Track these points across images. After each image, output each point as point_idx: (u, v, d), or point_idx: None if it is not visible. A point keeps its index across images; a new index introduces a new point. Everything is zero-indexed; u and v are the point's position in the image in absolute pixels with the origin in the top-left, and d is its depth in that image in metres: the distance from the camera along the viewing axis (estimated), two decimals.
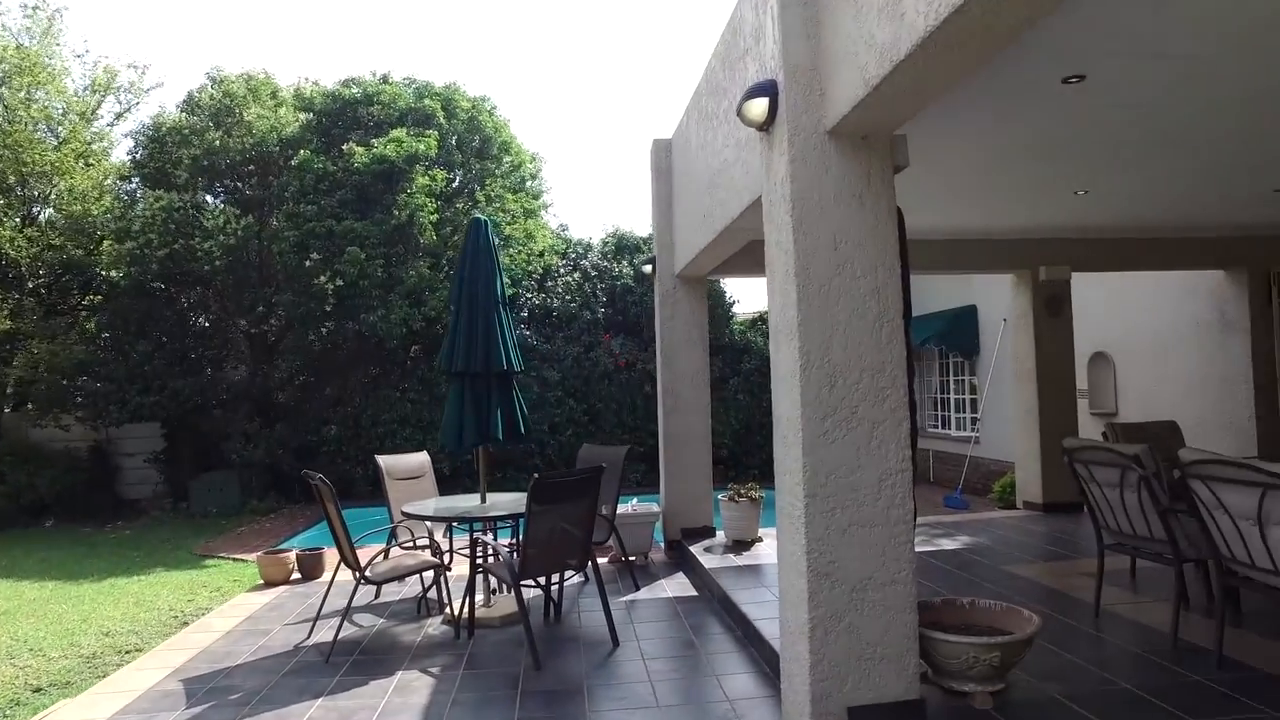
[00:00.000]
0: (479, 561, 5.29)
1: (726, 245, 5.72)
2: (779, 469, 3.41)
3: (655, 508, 7.28)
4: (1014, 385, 8.37)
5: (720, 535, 7.15)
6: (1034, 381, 7.96)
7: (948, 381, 14.18)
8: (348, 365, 15.08)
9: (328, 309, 13.68)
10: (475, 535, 5.38)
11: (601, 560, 7.23)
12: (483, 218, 5.88)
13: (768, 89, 3.36)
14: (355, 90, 14.99)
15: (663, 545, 7.48)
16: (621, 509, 7.16)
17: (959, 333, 12.72)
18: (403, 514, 5.63)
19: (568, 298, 16.30)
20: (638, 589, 6.23)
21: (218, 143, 13.37)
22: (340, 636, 5.09)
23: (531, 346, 15.71)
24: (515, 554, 5.12)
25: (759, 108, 3.40)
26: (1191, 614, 4.56)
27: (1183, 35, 3.37)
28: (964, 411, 13.63)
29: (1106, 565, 4.76)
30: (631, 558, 7.09)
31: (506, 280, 15.20)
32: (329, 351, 15.16)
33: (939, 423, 14.53)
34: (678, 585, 6.34)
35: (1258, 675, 3.72)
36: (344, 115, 14.72)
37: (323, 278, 13.17)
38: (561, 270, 16.88)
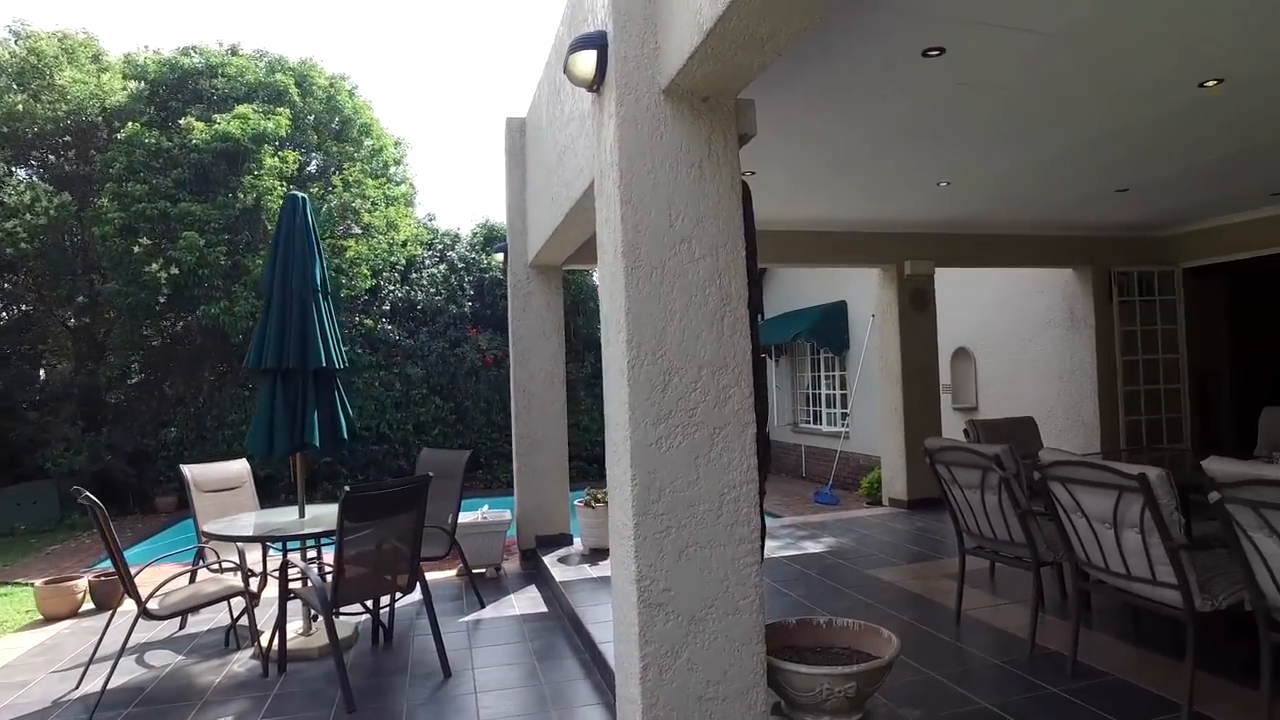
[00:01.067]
0: (290, 586, 4.61)
1: (575, 230, 5.24)
2: (610, 481, 2.96)
3: (508, 515, 6.73)
4: (880, 381, 8.31)
5: (578, 543, 6.68)
6: (899, 377, 7.90)
7: (819, 377, 14.25)
8: (192, 362, 13.73)
9: (162, 300, 12.37)
10: (288, 555, 4.69)
11: (448, 575, 6.63)
12: (300, 194, 5.17)
13: (596, 40, 2.90)
14: (197, 59, 13.64)
15: (519, 555, 6.95)
16: (469, 517, 6.58)
17: (829, 328, 12.74)
18: (203, 534, 4.86)
19: (433, 290, 15.45)
20: (483, 606, 5.68)
21: (20, 107, 11.78)
22: (120, 683, 4.31)
23: (394, 342, 14.79)
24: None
25: (586, 63, 2.93)
26: (1047, 615, 4.44)
27: (1036, 7, 3.17)
28: (835, 407, 13.71)
29: (967, 566, 4.58)
30: (483, 570, 6.53)
31: (366, 271, 14.42)
32: (169, 347, 13.77)
33: (811, 418, 14.58)
34: (528, 601, 5.82)
35: (1111, 682, 3.56)
36: (183, 87, 13.36)
37: (155, 265, 11.85)
38: (427, 262, 16.00)
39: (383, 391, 14.52)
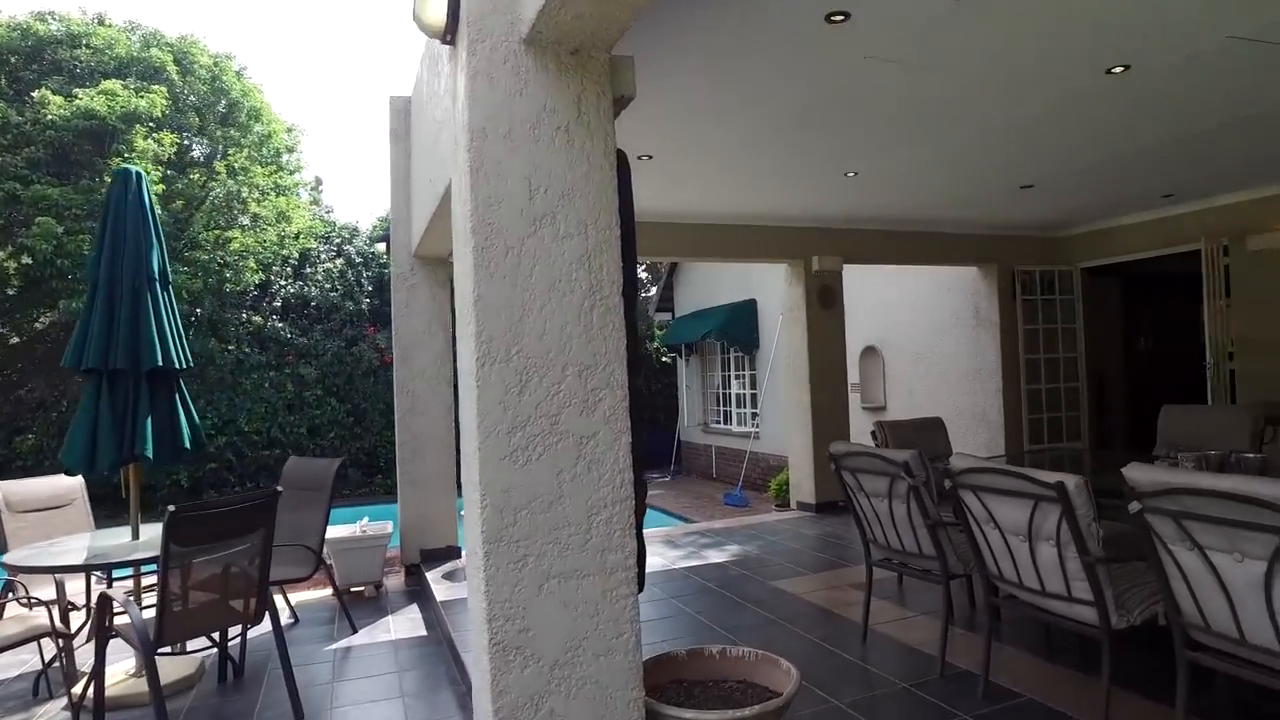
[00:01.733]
0: (112, 622, 3.96)
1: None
2: (465, 500, 2.51)
3: (390, 526, 6.17)
4: (787, 381, 8.07)
5: (466, 557, 6.16)
6: (807, 377, 7.67)
7: (729, 376, 14.05)
8: (54, 361, 12.52)
9: (11, 292, 11.20)
10: (111, 586, 4.04)
11: (322, 594, 6.03)
12: (133, 168, 4.50)
13: None
14: (55, 26, 12.43)
15: (403, 571, 6.39)
16: (346, 530, 6.00)
17: (739, 327, 12.53)
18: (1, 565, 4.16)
19: (329, 286, 14.58)
20: (355, 631, 5.12)
21: None
22: None
23: (285, 340, 13.87)
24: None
25: (436, 7, 2.47)
26: (956, 628, 4.20)
27: None
28: (745, 407, 13.52)
29: (875, 575, 4.30)
30: (362, 588, 5.95)
31: (253, 264, 13.45)
32: (28, 345, 12.55)
33: (722, 418, 14.37)
34: (407, 623, 5.29)
35: (1023, 704, 3.31)
36: (38, 56, 12.16)
37: (2, 253, 10.70)
38: (323, 256, 15.10)
39: (273, 393, 13.60)
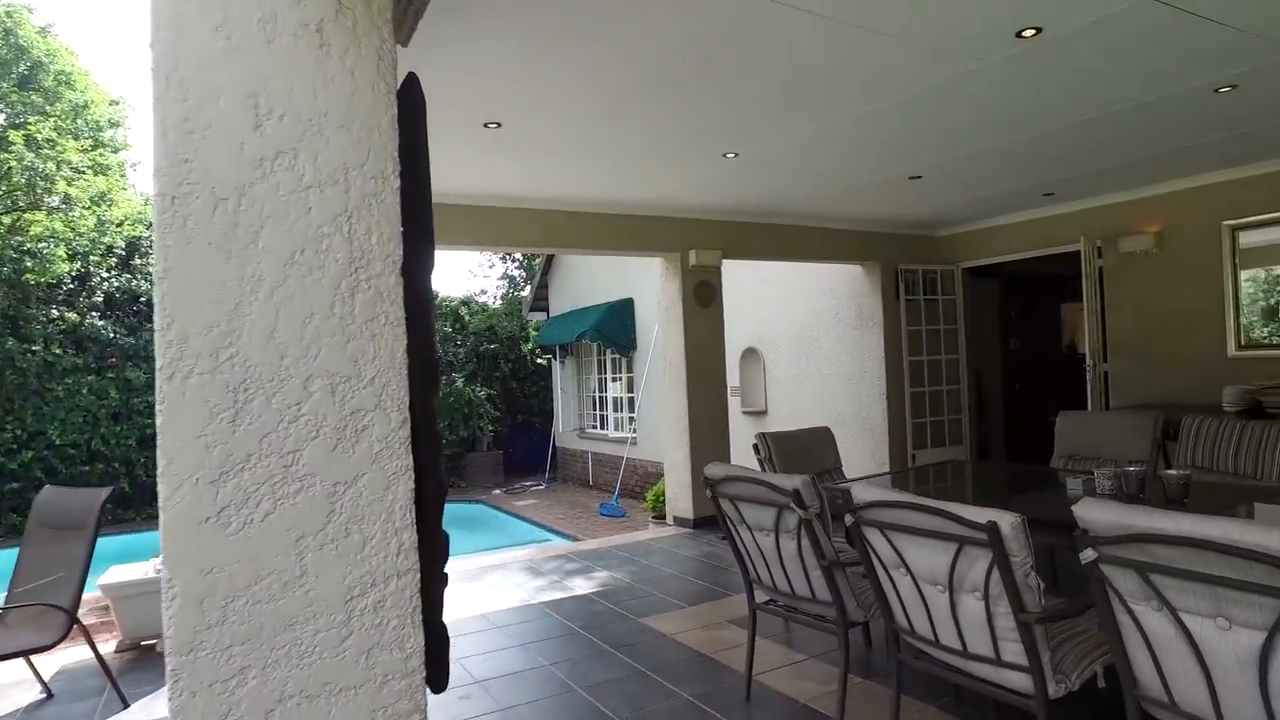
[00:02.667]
0: None
1: None
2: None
3: None
4: (664, 383, 7.45)
5: None
6: (684, 380, 7.07)
7: (605, 379, 13.39)
8: None
9: None
10: None
11: (105, 649, 4.91)
12: None
13: None
14: None
15: None
16: (134, 571, 4.92)
17: (615, 326, 11.88)
18: None
19: None
20: (126, 706, 4.08)
21: None
22: None
23: (108, 341, 12.19)
24: None
25: None
26: (853, 675, 3.62)
27: None
28: (622, 411, 12.90)
29: (758, 617, 3.68)
30: (154, 640, 4.89)
31: (63, 253, 11.73)
32: None
33: (598, 423, 13.70)
34: None
35: None
36: None
37: None
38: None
39: (94, 401, 11.92)
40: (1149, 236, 7.02)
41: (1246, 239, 6.56)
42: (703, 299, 7.11)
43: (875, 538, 2.49)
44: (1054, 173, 6.30)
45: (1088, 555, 1.95)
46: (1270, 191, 6.36)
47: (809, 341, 9.22)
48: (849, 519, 2.52)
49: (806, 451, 4.59)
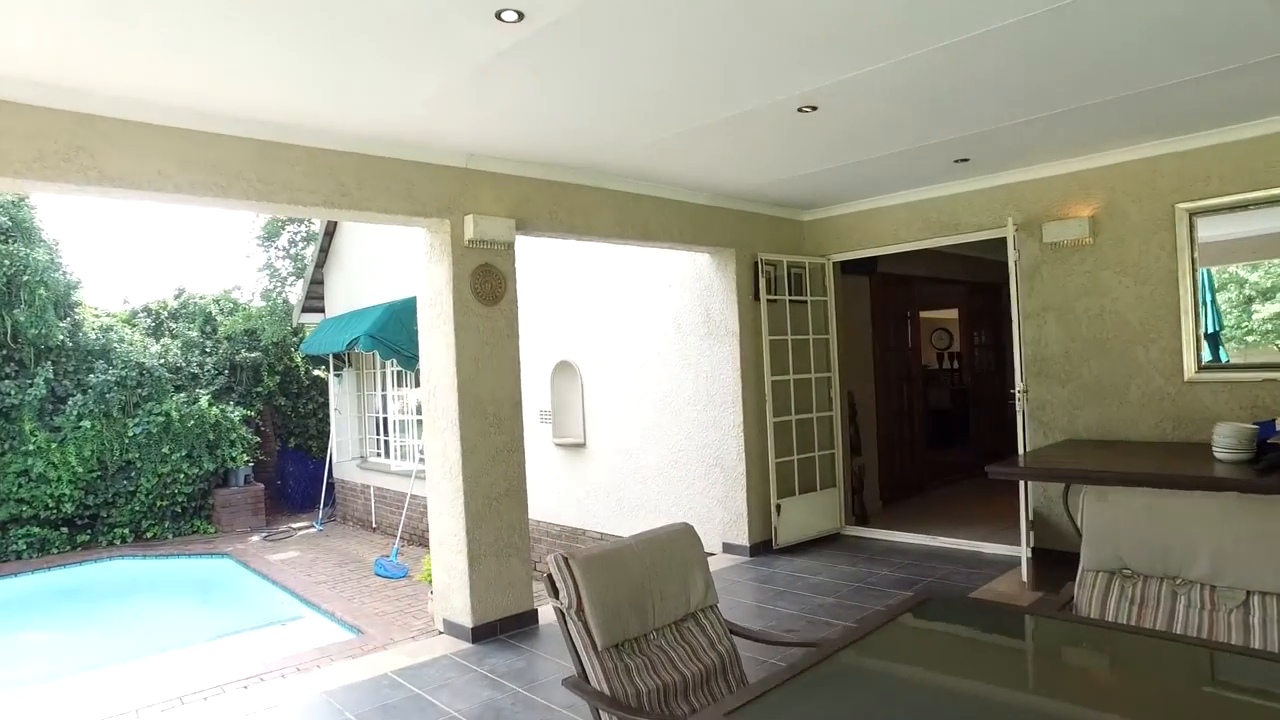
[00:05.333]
0: None
1: None
2: None
3: None
4: (427, 416, 4.93)
5: None
6: (455, 413, 4.59)
7: (388, 397, 10.66)
8: None
9: None
10: None
11: None
12: None
13: None
14: None
15: None
16: None
17: (397, 331, 9.21)
18: None
19: None
20: None
21: None
22: None
23: None
24: None
25: None
26: None
27: None
28: (409, 436, 10.23)
29: None
30: None
31: None
32: None
33: (383, 450, 10.94)
34: None
35: None
36: None
37: None
38: None
39: None
40: (1081, 223, 5.35)
41: (1208, 229, 5.01)
42: (486, 291, 4.68)
43: None
44: (978, 121, 4.44)
45: None
46: (1237, 166, 4.82)
47: (641, 354, 7.05)
48: None
49: (645, 587, 2.30)
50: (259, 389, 12.25)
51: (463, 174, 4.60)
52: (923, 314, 9.59)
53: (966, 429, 10.06)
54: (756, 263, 6.30)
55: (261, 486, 11.76)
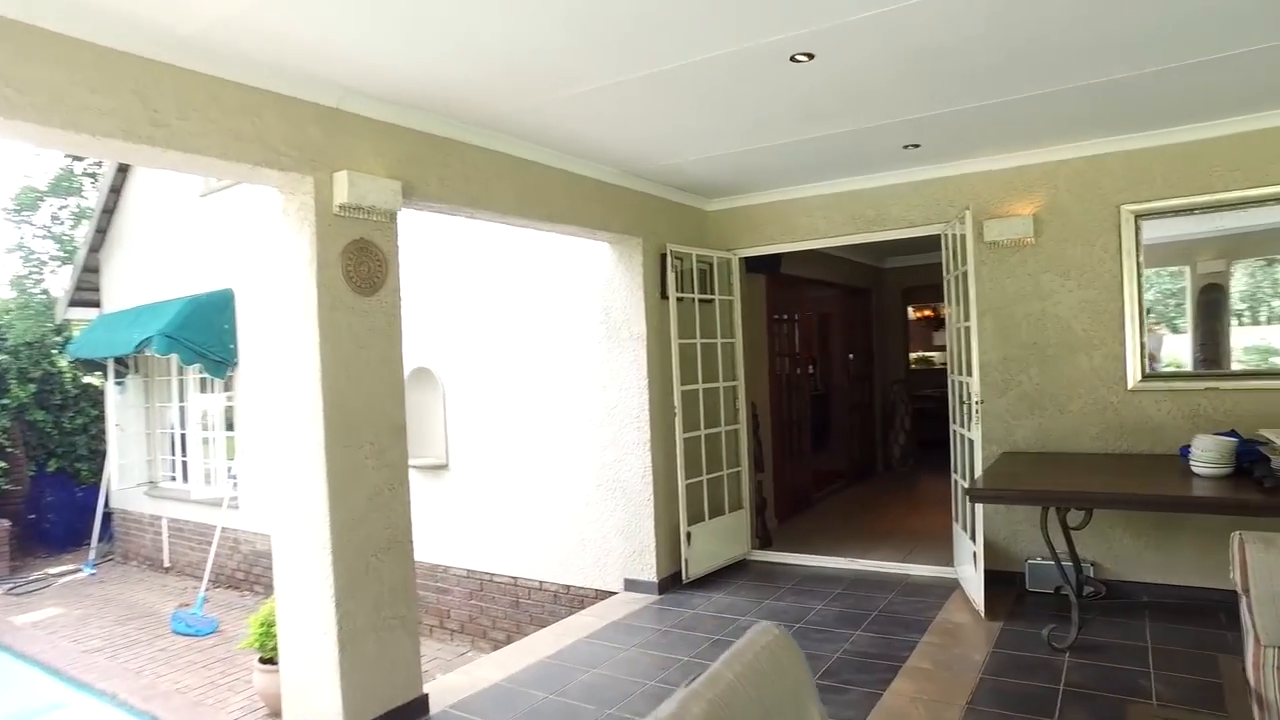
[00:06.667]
0: None
1: None
2: None
3: None
4: (277, 434, 3.62)
5: None
6: (320, 428, 3.36)
7: (187, 409, 8.84)
8: None
9: None
10: None
11: None
12: None
13: None
14: None
15: None
16: None
17: (203, 331, 7.55)
18: None
19: None
20: None
21: None
22: None
23: None
24: None
25: None
26: None
27: None
28: (217, 457, 8.50)
29: None
30: None
31: None
32: None
33: (178, 474, 9.08)
34: None
35: None
36: None
37: None
38: None
39: None
40: (1025, 221, 4.98)
41: (1154, 231, 4.77)
42: (362, 276, 3.50)
43: None
44: (940, 100, 3.88)
45: None
46: (1186, 169, 4.61)
47: (523, 360, 6.02)
48: None
49: None
50: (5, 400, 9.83)
51: (333, 116, 3.40)
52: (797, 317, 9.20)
53: (826, 436, 9.79)
54: (665, 255, 5.48)
55: (7, 523, 9.40)
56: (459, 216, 4.27)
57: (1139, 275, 4.74)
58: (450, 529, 6.39)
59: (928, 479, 9.28)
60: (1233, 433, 4.08)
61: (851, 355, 9.54)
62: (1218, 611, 4.41)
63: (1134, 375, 4.75)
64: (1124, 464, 4.48)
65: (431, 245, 6.30)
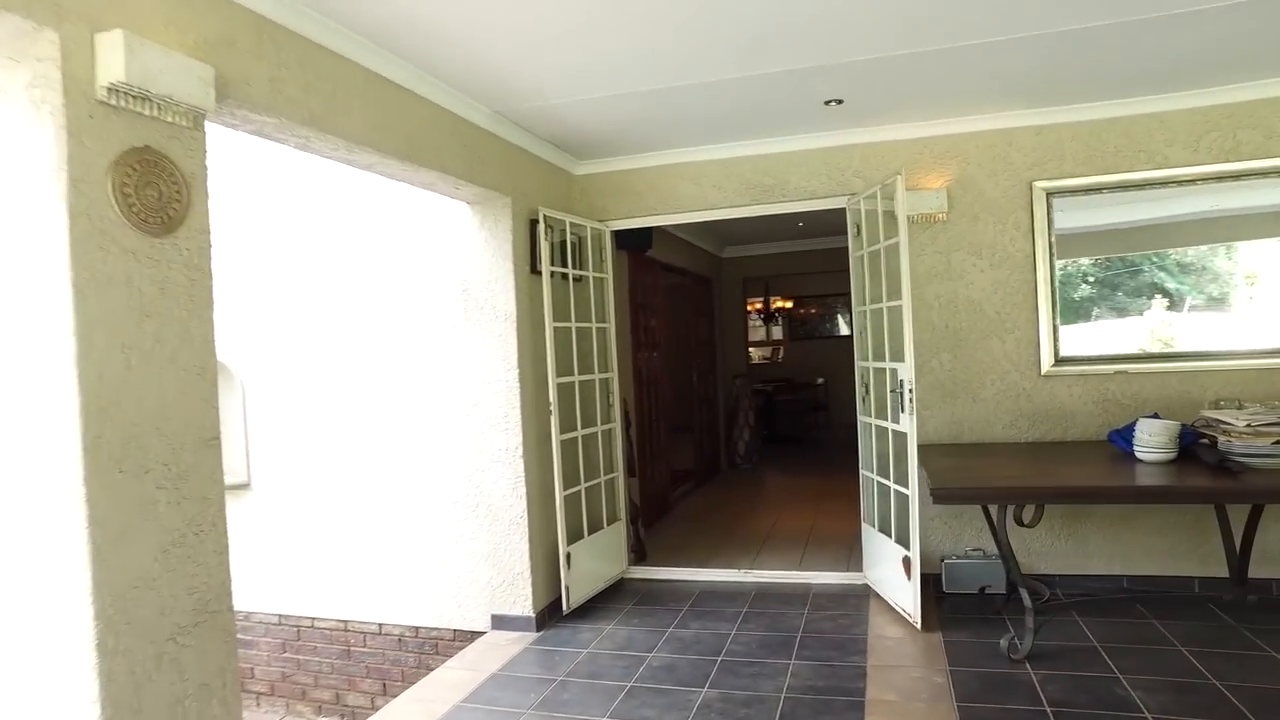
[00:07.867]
0: None
1: None
2: None
3: None
4: (24, 451, 2.30)
5: None
6: (76, 442, 2.10)
7: None
8: None
9: None
10: None
11: None
12: None
13: None
14: None
15: None
16: None
17: None
18: None
19: None
20: None
21: None
22: None
23: None
24: None
25: None
26: None
27: None
28: None
29: None
30: None
31: None
32: None
33: None
34: None
35: None
36: None
37: None
38: None
39: None
40: (937, 194, 4.59)
41: (1065, 215, 4.53)
42: (149, 204, 2.25)
43: None
44: (870, 46, 3.33)
45: None
46: (1094, 147, 4.42)
47: (353, 348, 4.81)
48: None
49: None
50: None
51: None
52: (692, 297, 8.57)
53: (679, 434, 9.25)
54: (537, 220, 4.54)
55: None
56: (287, 144, 3.07)
57: (1051, 256, 4.50)
58: (253, 564, 5.01)
59: (773, 475, 8.98)
60: (1155, 416, 3.88)
61: (698, 347, 9.03)
62: (1132, 602, 4.23)
63: (1048, 360, 4.50)
64: (1049, 452, 4.18)
65: (225, 190, 4.90)
